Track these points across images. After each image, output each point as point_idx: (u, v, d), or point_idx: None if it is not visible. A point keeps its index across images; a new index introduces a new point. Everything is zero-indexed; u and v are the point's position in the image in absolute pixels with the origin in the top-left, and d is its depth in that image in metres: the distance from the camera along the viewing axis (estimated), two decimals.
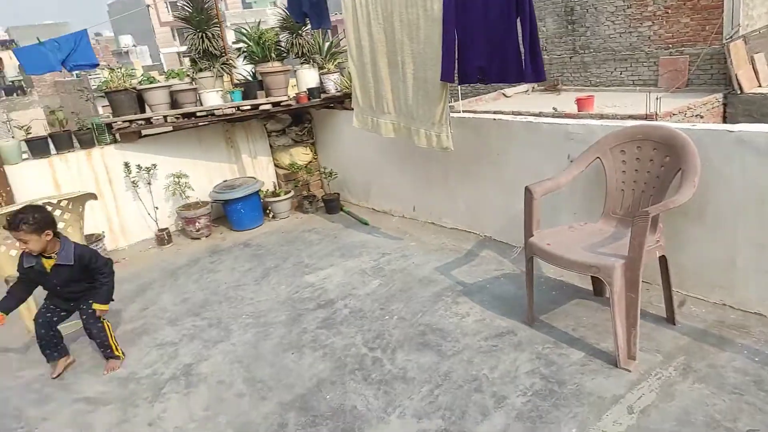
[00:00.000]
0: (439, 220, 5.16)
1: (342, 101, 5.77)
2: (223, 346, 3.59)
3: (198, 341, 3.69)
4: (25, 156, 5.13)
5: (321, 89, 5.76)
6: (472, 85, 11.71)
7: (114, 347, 3.48)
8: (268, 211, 6.00)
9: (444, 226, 5.11)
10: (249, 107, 5.44)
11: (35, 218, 3.11)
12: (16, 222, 3.07)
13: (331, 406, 2.85)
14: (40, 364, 3.56)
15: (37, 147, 5.14)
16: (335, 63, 5.86)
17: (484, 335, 3.30)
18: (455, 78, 3.80)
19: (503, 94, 16.66)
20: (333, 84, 5.70)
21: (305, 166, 6.21)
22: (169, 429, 2.84)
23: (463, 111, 4.31)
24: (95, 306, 3.39)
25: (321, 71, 5.81)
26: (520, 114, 4.27)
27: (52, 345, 3.43)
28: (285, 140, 6.29)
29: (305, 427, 2.72)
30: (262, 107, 5.42)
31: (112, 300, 3.53)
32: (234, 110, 5.34)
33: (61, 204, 3.97)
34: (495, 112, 4.66)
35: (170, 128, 5.73)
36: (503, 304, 3.62)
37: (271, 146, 6.29)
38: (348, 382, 3.04)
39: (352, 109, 4.96)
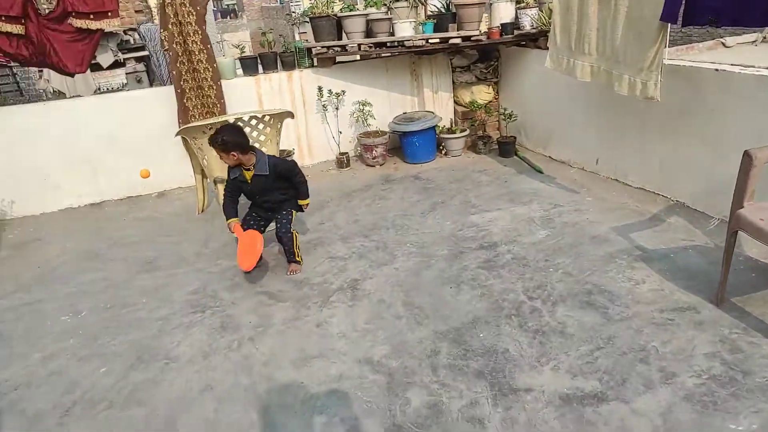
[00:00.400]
0: (624, 177, 4.73)
1: (536, 39, 5.43)
2: (387, 269, 3.79)
3: (365, 260, 3.94)
4: (238, 72, 5.73)
5: (515, 25, 5.47)
6: (682, 29, 10.23)
7: (296, 253, 3.87)
8: (441, 148, 6.03)
9: (629, 185, 4.68)
10: (438, 40, 5.39)
11: (224, 140, 3.52)
12: (211, 141, 3.59)
13: (483, 344, 2.88)
14: (233, 257, 4.12)
15: (248, 65, 5.71)
16: None
17: (659, 306, 3.03)
18: (679, 18, 3.32)
19: (722, 43, 14.30)
20: (529, 20, 5.37)
21: (485, 106, 6.06)
22: (334, 333, 3.13)
23: (669, 59, 3.79)
24: (300, 201, 3.90)
25: (518, 5, 5.49)
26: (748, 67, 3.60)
27: None
28: (468, 77, 6.17)
29: (456, 359, 2.79)
30: (451, 41, 5.34)
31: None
32: (423, 42, 5.34)
33: (264, 118, 4.40)
34: (712, 63, 4.00)
35: (362, 56, 5.95)
36: (688, 278, 3.26)
37: (453, 82, 6.22)
38: (503, 325, 3.03)
39: (546, 48, 4.65)
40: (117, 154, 5.35)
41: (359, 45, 5.40)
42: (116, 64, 8.83)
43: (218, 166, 4.41)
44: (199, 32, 5.23)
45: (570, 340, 2.84)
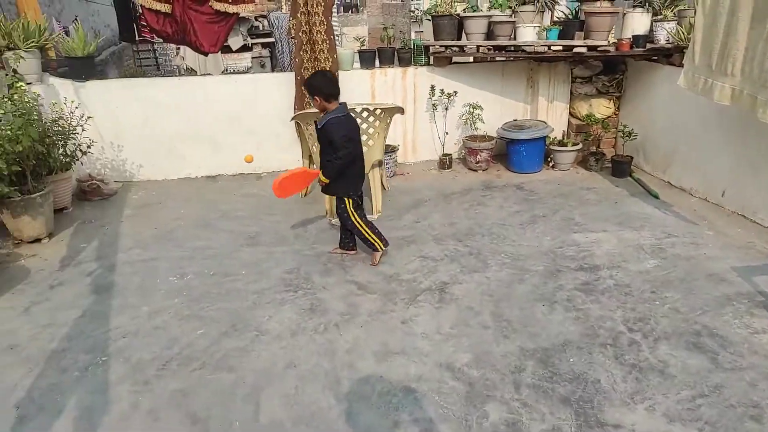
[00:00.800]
0: (754, 214, 4.29)
1: (670, 55, 5.06)
2: (478, 277, 3.71)
3: (456, 264, 3.89)
4: (355, 65, 5.87)
5: (648, 38, 5.13)
6: None
7: (373, 240, 3.88)
8: (549, 159, 5.81)
9: (758, 223, 4.24)
10: (561, 48, 5.19)
11: (309, 82, 3.61)
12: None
13: (573, 370, 2.74)
14: (330, 243, 4.24)
15: (366, 58, 5.83)
16: (675, 10, 5.11)
17: None
18: None
19: None
20: (665, 34, 5.02)
21: (602, 121, 5.75)
22: (417, 332, 3.12)
23: None
24: (321, 175, 3.70)
25: (655, 17, 5.14)
26: None
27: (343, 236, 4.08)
28: (588, 89, 5.89)
29: (542, 380, 2.68)
30: (576, 49, 5.11)
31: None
32: (545, 49, 5.16)
33: (375, 112, 4.47)
34: None
35: (477, 58, 5.87)
36: None
37: (571, 93, 5.96)
38: (596, 353, 2.86)
39: (681, 66, 4.32)
40: (235, 132, 5.69)
41: (478, 47, 5.33)
42: (244, 48, 9.38)
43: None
44: (325, 23, 5.41)
45: (670, 382, 2.62)
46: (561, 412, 2.47)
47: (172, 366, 2.89)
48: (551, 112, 6.00)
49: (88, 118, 4.98)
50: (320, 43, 5.44)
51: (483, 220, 4.62)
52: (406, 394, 2.64)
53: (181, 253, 4.18)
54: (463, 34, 5.59)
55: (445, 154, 5.93)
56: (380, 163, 4.78)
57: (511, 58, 5.73)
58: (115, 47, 10.43)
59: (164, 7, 5.15)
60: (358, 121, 4.44)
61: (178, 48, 9.28)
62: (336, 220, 4.56)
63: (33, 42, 4.85)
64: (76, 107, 4.94)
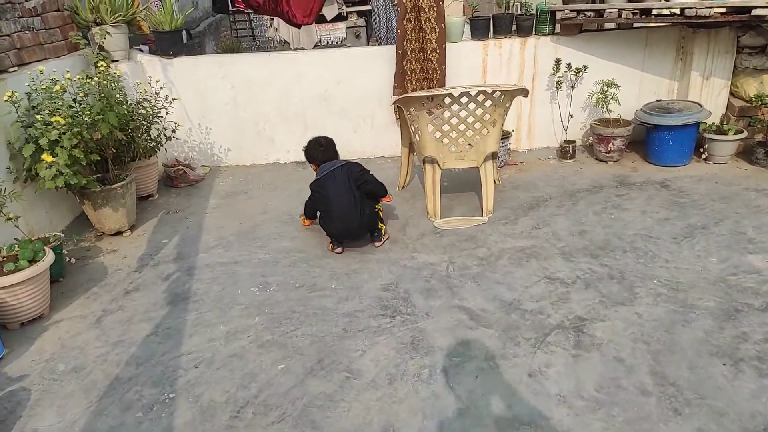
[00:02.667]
0: None
1: None
2: (624, 311, 2.90)
3: (593, 291, 3.09)
4: (465, 35, 5.06)
5: None
6: None
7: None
8: (701, 150, 4.73)
9: None
10: (729, 9, 4.07)
11: (305, 151, 3.87)
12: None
13: None
14: (433, 252, 3.58)
15: (479, 27, 4.99)
16: None
17: None
18: None
19: None
20: None
21: None
22: (551, 391, 2.40)
23: None
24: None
25: None
26: None
27: None
28: (759, 61, 4.69)
29: None
30: (755, 11, 3.98)
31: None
32: (709, 12, 4.07)
33: (494, 95, 3.69)
34: None
35: (614, 26, 4.85)
36: None
37: (735, 67, 4.79)
38: None
39: None
40: (329, 113, 5.12)
41: (620, 11, 4.32)
42: (338, 18, 8.77)
43: (432, 145, 3.85)
44: None
45: None
46: None
47: (246, 414, 2.38)
48: (706, 90, 4.86)
49: (173, 99, 4.59)
50: (426, 10, 4.68)
51: (622, 230, 3.75)
52: None
53: (265, 256, 3.70)
54: None
55: (567, 141, 5.01)
56: (494, 156, 4.01)
57: (661, 24, 4.65)
58: (213, 18, 10.23)
59: None
60: (471, 105, 3.70)
61: (272, 19, 8.85)
62: (440, 222, 3.90)
63: (120, 15, 4.50)
64: (161, 87, 4.57)
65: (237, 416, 2.38)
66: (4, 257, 3.04)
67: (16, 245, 3.07)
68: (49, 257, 3.09)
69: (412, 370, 2.58)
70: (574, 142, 5.02)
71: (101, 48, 4.42)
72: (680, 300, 2.95)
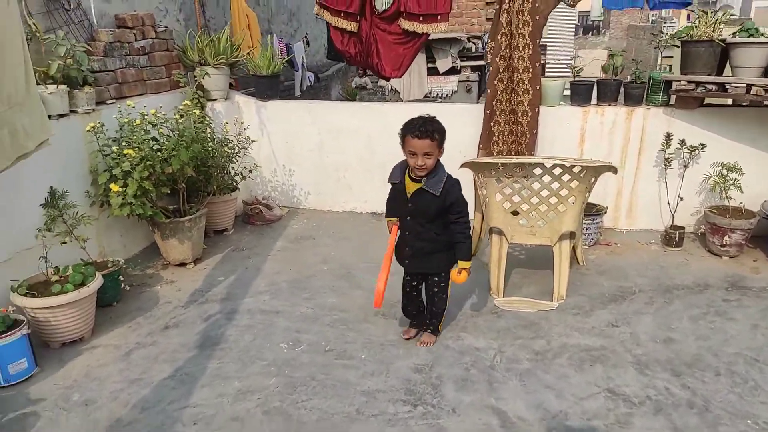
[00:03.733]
0: None
1: None
2: None
3: (663, 419, 2.52)
4: (561, 103, 4.67)
5: None
6: None
7: (441, 321, 3.15)
8: None
9: None
10: None
11: (443, 129, 2.73)
12: (429, 129, 2.66)
13: None
14: (483, 336, 3.19)
15: (580, 92, 4.58)
16: None
17: None
18: None
19: None
20: None
21: None
22: None
23: None
24: (461, 262, 2.85)
25: None
26: None
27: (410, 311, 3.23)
28: None
29: None
30: None
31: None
32: None
33: (573, 169, 3.28)
34: None
35: (745, 102, 4.19)
36: None
37: None
38: None
39: None
40: None
41: (749, 86, 3.71)
42: (452, 71, 8.72)
43: (500, 216, 3.50)
44: (530, 47, 4.35)
45: None
46: None
47: None
48: None
49: (252, 141, 4.71)
50: (521, 71, 4.39)
51: (721, 345, 3.09)
52: None
53: (307, 310, 3.55)
54: (727, 67, 4.01)
55: (674, 227, 4.35)
56: (572, 235, 3.54)
57: None
58: (342, 64, 10.67)
59: (350, 26, 4.66)
60: (546, 179, 3.33)
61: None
62: (502, 301, 3.51)
63: (222, 58, 4.76)
64: (246, 128, 4.72)
65: None
66: (59, 277, 3.19)
67: (70, 267, 3.21)
68: (96, 284, 3.19)
69: None
70: (683, 228, 4.35)
71: (200, 87, 4.68)
72: None
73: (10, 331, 2.84)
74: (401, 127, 2.80)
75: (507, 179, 3.40)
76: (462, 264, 2.85)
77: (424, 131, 2.67)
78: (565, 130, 4.59)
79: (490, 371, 2.91)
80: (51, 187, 3.46)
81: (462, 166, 3.53)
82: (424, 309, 3.18)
